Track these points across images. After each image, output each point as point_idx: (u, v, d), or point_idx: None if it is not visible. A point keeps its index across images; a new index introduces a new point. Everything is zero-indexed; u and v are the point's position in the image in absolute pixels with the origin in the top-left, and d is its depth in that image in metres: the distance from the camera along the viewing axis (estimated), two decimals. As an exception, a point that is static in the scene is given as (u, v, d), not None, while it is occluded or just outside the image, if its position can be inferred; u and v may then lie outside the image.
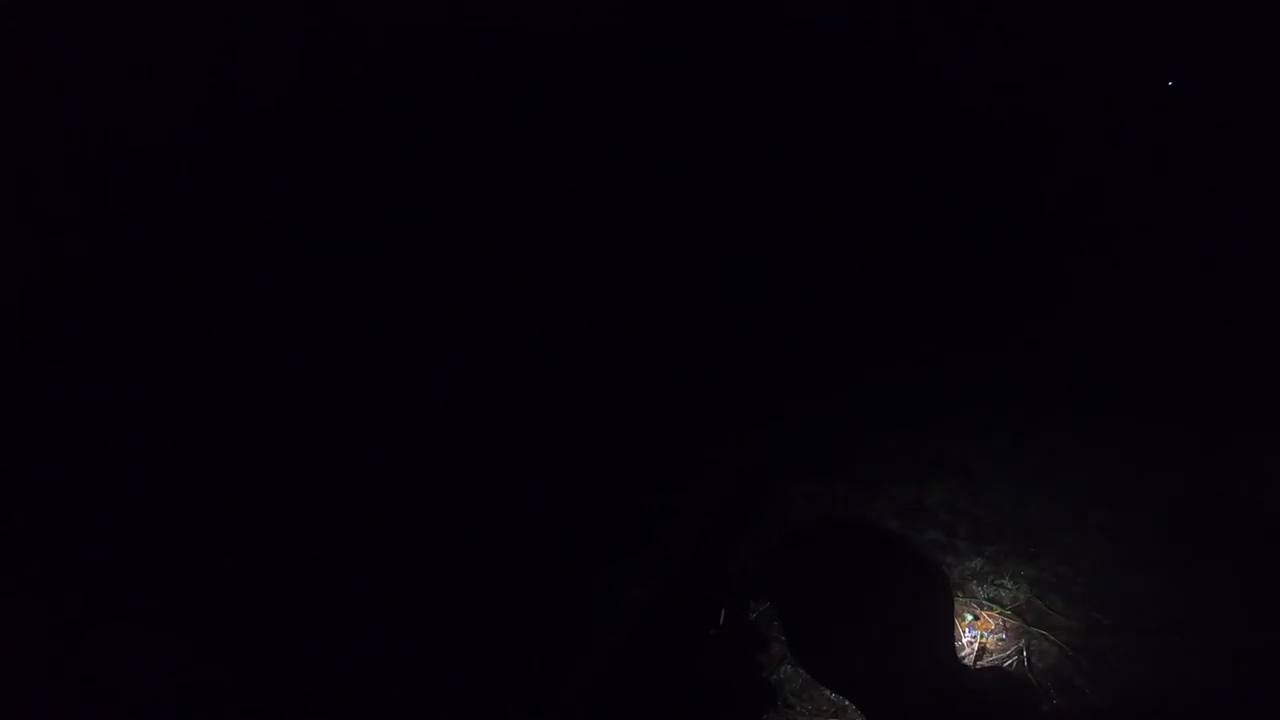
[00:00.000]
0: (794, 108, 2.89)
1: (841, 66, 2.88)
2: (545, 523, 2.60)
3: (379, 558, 2.54)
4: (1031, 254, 2.81)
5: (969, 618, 2.34)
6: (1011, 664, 2.28)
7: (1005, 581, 2.39)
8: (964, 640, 2.31)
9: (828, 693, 2.20)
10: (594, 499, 2.62)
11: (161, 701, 2.40)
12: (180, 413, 2.64)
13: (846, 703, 2.16)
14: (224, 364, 2.69)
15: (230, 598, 2.49)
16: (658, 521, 2.60)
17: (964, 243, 2.82)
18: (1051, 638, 2.26)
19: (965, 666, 2.20)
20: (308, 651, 2.43)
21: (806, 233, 2.84)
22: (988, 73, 2.87)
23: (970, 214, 2.83)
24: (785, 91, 2.89)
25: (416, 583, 2.52)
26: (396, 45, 2.86)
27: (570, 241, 2.84)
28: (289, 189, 2.79)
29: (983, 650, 2.29)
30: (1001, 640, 2.30)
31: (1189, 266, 2.70)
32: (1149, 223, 2.78)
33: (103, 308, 2.69)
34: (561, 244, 2.84)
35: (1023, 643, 2.28)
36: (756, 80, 2.89)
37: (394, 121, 2.84)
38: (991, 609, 2.36)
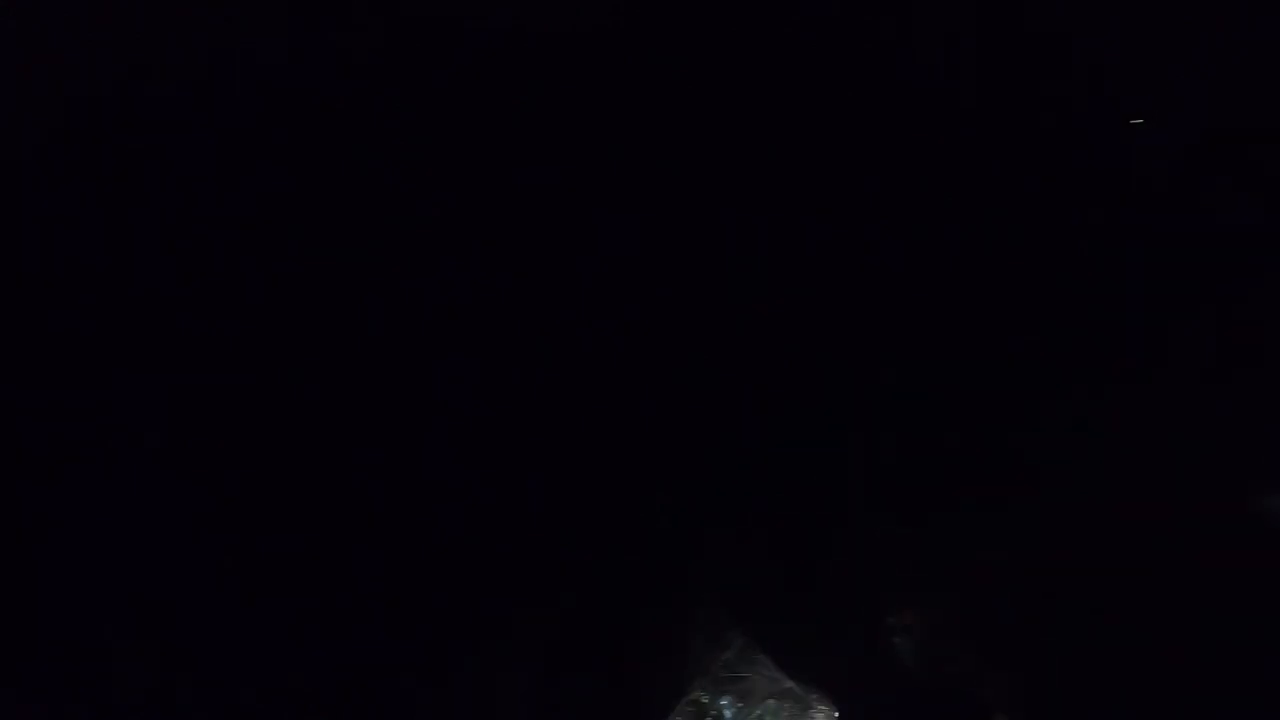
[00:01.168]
0: (794, 107, 2.88)
1: (841, 66, 2.87)
2: (545, 523, 2.60)
3: (379, 558, 2.54)
4: (1031, 255, 2.81)
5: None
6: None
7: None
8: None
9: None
10: (594, 499, 2.62)
11: (161, 701, 2.40)
12: (180, 412, 2.64)
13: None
14: (224, 364, 2.68)
15: (230, 598, 2.49)
16: (657, 521, 2.60)
17: (964, 243, 2.81)
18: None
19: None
20: (308, 651, 2.43)
21: (806, 233, 2.84)
22: (988, 72, 2.86)
23: (970, 214, 2.83)
24: (785, 91, 2.88)
25: (416, 583, 2.52)
26: (396, 45, 2.85)
27: (570, 241, 2.84)
28: (289, 189, 2.78)
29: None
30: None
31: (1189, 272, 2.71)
32: (1148, 224, 2.78)
33: (103, 308, 2.68)
34: (561, 244, 2.84)
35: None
36: (756, 80, 2.88)
37: (394, 121, 2.83)
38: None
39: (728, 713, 2.35)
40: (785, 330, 2.77)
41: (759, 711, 2.38)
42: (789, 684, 2.33)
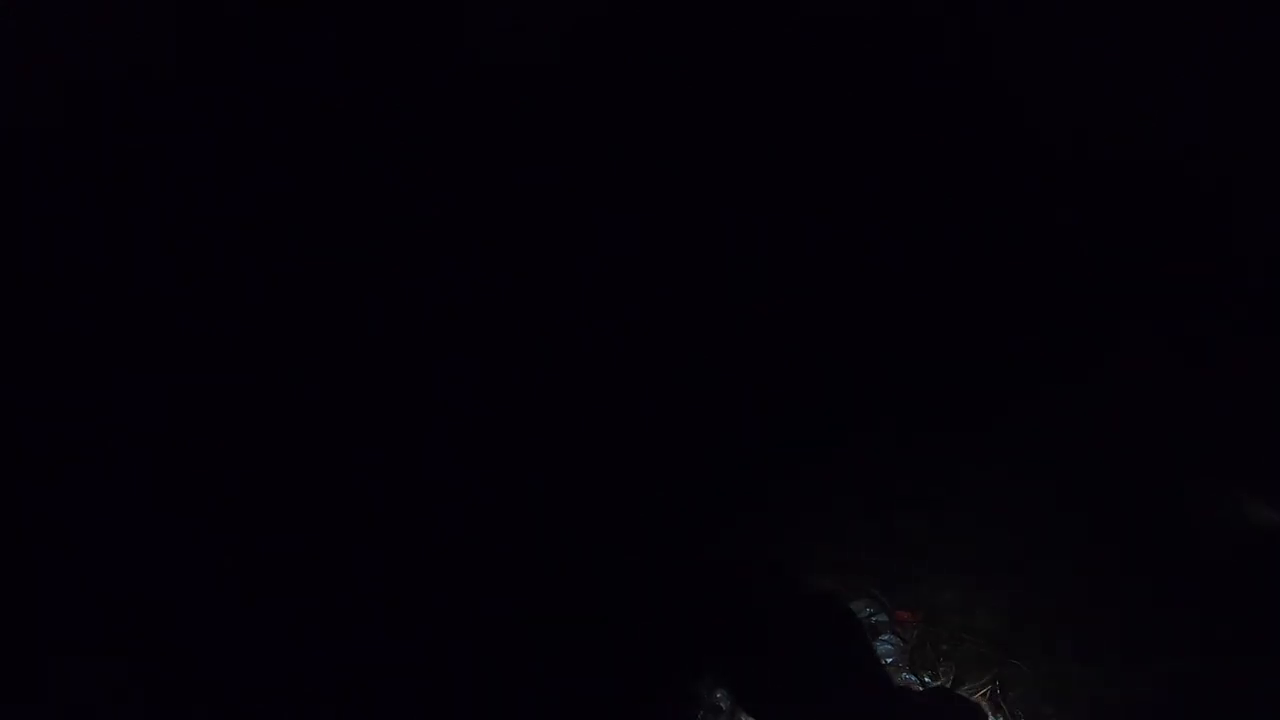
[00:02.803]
0: (794, 108, 2.89)
1: (841, 66, 2.88)
2: (546, 523, 2.60)
3: (379, 558, 2.54)
4: (1030, 256, 2.81)
5: (885, 627, 2.44)
6: (985, 692, 2.37)
7: (977, 611, 2.47)
8: (889, 652, 2.41)
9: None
10: (594, 499, 2.62)
11: (160, 702, 2.40)
12: (180, 412, 2.64)
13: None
14: (224, 364, 2.68)
15: (230, 598, 2.49)
16: (657, 520, 2.60)
17: (964, 243, 2.81)
18: (1023, 666, 2.36)
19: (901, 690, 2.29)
20: (308, 651, 2.44)
21: (806, 233, 2.84)
22: (988, 73, 2.86)
23: (970, 214, 2.83)
24: (785, 91, 2.89)
25: (416, 583, 2.52)
26: (396, 45, 2.86)
27: (570, 241, 2.84)
28: (289, 189, 2.79)
29: (916, 657, 2.39)
30: (976, 669, 2.38)
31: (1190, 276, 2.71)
32: (1149, 225, 2.78)
33: (103, 308, 2.69)
34: (561, 244, 2.84)
35: (995, 670, 2.36)
36: (756, 80, 2.88)
37: (394, 121, 2.83)
38: (915, 610, 2.45)
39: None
40: (784, 330, 2.77)
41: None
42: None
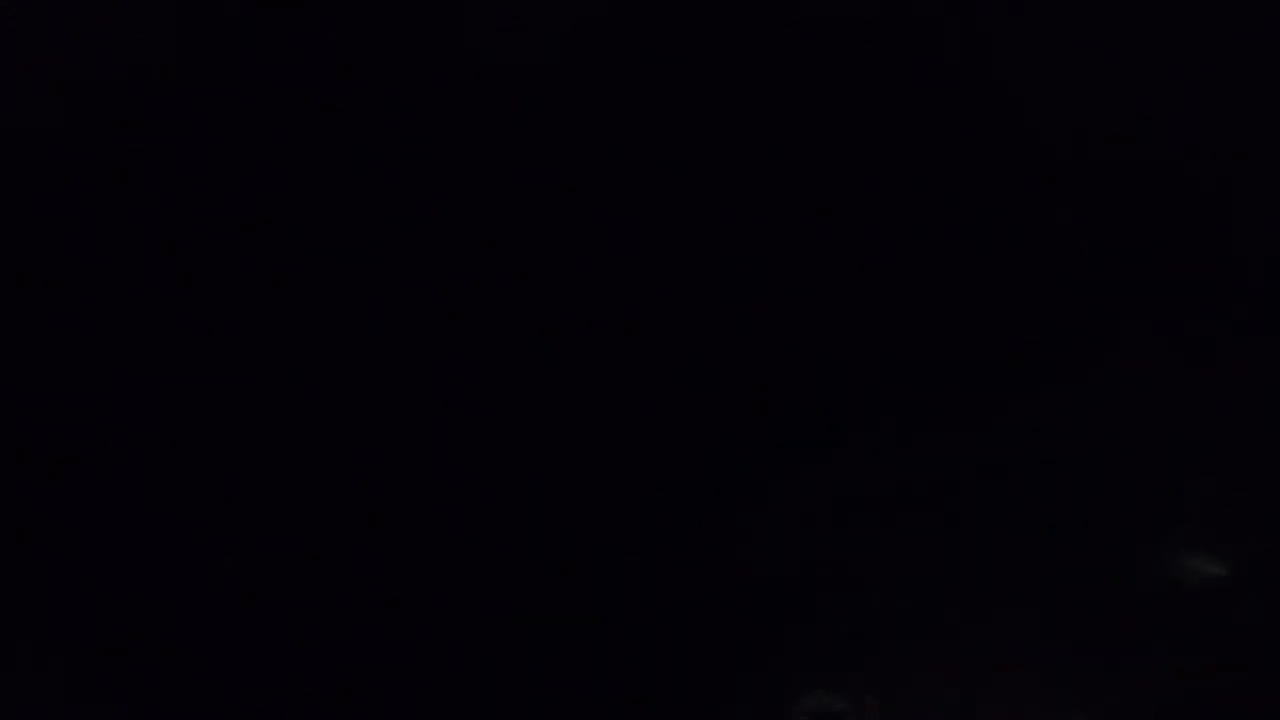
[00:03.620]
0: (794, 107, 2.88)
1: (841, 66, 2.87)
2: (546, 523, 2.60)
3: (379, 558, 2.55)
4: (1030, 256, 2.81)
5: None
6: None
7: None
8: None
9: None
10: (594, 499, 2.62)
11: (160, 702, 2.40)
12: (180, 412, 2.64)
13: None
14: (224, 364, 2.68)
15: (230, 598, 2.49)
16: (657, 521, 2.60)
17: (964, 243, 2.81)
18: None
19: None
20: (308, 651, 2.44)
21: (806, 233, 2.84)
22: (988, 73, 2.86)
23: (970, 214, 2.83)
24: (785, 91, 2.88)
25: (416, 583, 2.52)
26: (396, 45, 2.85)
27: (570, 241, 2.84)
28: (289, 189, 2.78)
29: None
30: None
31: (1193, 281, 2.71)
32: (1149, 225, 2.77)
33: (103, 308, 2.69)
34: (561, 244, 2.84)
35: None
36: (756, 80, 2.88)
37: (394, 121, 2.83)
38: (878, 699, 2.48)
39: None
40: (784, 329, 2.77)
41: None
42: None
